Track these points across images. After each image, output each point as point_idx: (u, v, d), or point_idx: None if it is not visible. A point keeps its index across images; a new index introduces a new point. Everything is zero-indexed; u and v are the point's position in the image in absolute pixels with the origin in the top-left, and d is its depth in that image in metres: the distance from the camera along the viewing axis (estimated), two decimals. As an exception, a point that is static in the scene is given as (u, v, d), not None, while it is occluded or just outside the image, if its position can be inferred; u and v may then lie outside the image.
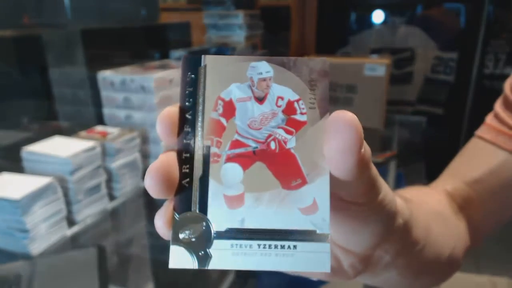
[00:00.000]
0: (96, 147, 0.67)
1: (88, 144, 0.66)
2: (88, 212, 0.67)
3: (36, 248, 0.57)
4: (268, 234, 0.17)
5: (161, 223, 0.17)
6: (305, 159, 0.17)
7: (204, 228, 0.17)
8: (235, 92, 0.18)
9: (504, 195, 0.38)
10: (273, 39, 1.62)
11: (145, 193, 0.78)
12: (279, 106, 0.18)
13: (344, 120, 0.16)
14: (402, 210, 0.24)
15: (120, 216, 0.72)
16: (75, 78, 0.84)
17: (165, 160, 0.17)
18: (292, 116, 0.18)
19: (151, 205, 0.75)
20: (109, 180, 0.72)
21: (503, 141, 0.38)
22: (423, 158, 0.99)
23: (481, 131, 0.41)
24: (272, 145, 0.18)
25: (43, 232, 0.58)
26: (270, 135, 0.18)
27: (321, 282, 0.65)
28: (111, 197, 0.72)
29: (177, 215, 0.17)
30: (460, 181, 0.40)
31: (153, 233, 0.67)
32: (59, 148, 0.65)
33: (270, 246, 0.17)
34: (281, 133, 0.18)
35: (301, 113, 0.18)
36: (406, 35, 2.06)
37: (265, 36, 1.40)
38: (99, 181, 0.68)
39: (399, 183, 0.83)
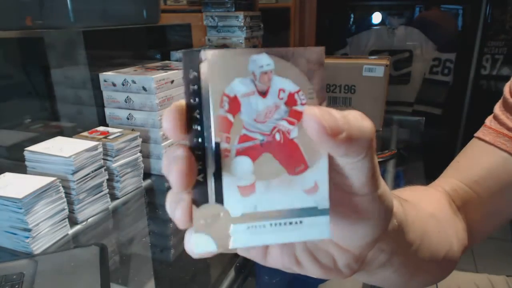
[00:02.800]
0: (97, 147, 0.68)
1: (90, 144, 0.67)
2: (90, 211, 0.67)
3: (38, 247, 0.58)
4: (277, 214, 0.19)
5: (181, 214, 0.18)
6: (306, 146, 0.19)
7: (221, 216, 0.19)
8: (239, 87, 0.18)
9: (503, 196, 0.39)
10: (273, 40, 1.63)
11: (146, 192, 0.79)
12: (281, 99, 0.19)
13: (307, 117, 0.17)
14: (397, 211, 0.25)
15: (122, 216, 0.73)
16: (77, 79, 0.85)
17: (188, 156, 0.18)
18: (293, 108, 0.19)
19: (153, 205, 0.76)
20: (111, 180, 0.72)
21: (502, 142, 0.39)
22: (422, 158, 1.00)
23: (480, 133, 0.41)
24: (277, 137, 0.19)
25: (46, 231, 0.59)
26: (274, 127, 0.19)
27: (320, 281, 0.65)
28: (113, 197, 0.73)
29: (196, 207, 0.19)
30: (460, 181, 0.41)
31: (154, 232, 0.67)
32: (61, 148, 0.65)
33: (280, 223, 0.19)
34: (284, 125, 0.19)
35: (302, 104, 0.19)
36: (405, 36, 2.06)
37: (265, 37, 1.40)
38: (100, 181, 0.69)
39: (398, 182, 0.83)
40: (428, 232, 0.30)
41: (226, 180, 0.18)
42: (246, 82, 0.18)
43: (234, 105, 0.18)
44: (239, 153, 0.18)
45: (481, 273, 0.68)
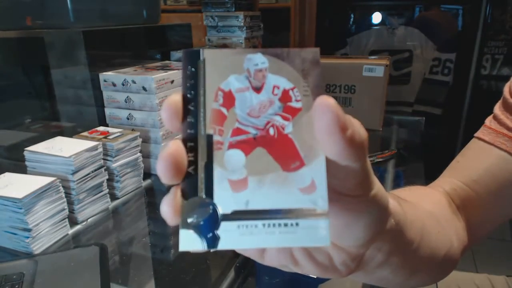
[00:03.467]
0: (97, 147, 0.68)
1: (90, 144, 0.67)
2: (90, 211, 0.68)
3: (38, 247, 0.58)
4: (271, 214, 0.18)
5: (168, 209, 0.18)
6: (301, 142, 0.18)
7: (211, 211, 0.18)
8: (234, 83, 0.19)
9: (503, 196, 0.39)
10: (273, 40, 1.63)
11: (146, 192, 0.79)
12: (275, 95, 0.19)
13: (322, 104, 0.17)
14: (395, 210, 0.24)
15: (122, 216, 0.73)
16: (77, 79, 0.85)
17: (176, 147, 0.18)
18: (288, 104, 0.19)
19: (152, 205, 0.76)
20: (111, 180, 0.72)
21: (502, 142, 0.39)
22: (422, 158, 1.00)
23: (480, 133, 0.41)
24: (271, 131, 0.19)
25: (46, 231, 0.59)
26: (268, 122, 0.19)
27: (320, 281, 0.65)
28: (113, 197, 0.73)
29: (185, 201, 0.18)
30: (459, 181, 0.41)
31: (154, 232, 0.67)
32: (61, 148, 0.65)
33: (274, 225, 0.18)
34: (278, 120, 0.19)
35: (296, 100, 0.19)
36: (405, 36, 2.06)
37: (265, 37, 1.41)
38: (100, 181, 0.69)
39: (398, 182, 0.83)
40: (428, 231, 0.30)
41: (217, 173, 0.18)
42: (241, 78, 0.19)
43: (229, 99, 0.19)
44: (232, 146, 0.18)
45: (481, 273, 0.68)
